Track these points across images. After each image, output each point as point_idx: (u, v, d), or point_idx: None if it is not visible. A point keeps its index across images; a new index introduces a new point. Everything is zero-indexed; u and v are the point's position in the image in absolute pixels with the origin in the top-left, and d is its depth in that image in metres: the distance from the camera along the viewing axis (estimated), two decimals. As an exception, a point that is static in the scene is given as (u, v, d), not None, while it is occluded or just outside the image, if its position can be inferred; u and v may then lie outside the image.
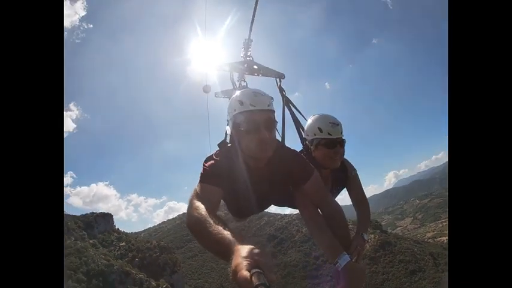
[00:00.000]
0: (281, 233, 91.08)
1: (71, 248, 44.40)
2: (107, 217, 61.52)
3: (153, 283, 44.37)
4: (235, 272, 0.96)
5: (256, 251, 1.02)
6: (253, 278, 0.89)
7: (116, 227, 64.23)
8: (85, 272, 42.44)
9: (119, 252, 52.53)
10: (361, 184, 2.48)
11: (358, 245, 1.97)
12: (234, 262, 1.00)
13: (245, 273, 0.92)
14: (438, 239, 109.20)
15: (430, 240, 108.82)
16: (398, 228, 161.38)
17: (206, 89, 3.53)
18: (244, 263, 0.96)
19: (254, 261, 0.97)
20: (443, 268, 76.33)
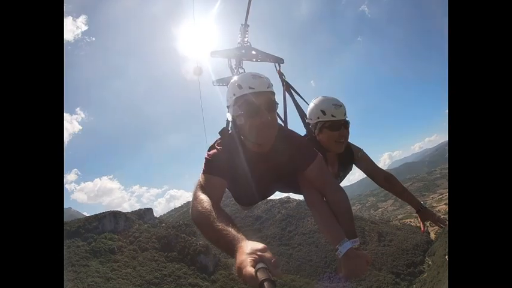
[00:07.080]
0: (265, 214, 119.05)
1: (141, 229, 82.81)
2: (150, 210, 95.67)
3: (191, 238, 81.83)
4: (240, 268, 0.97)
5: (259, 246, 1.02)
6: (258, 273, 0.90)
7: (155, 216, 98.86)
8: (156, 237, 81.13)
9: (163, 230, 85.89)
10: (373, 161, 2.42)
11: (435, 216, 1.94)
12: (238, 259, 1.01)
13: (250, 269, 0.93)
14: (404, 220, 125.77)
15: (396, 221, 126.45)
16: (380, 210, 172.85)
17: (197, 72, 3.36)
18: (249, 259, 0.96)
19: (258, 257, 0.97)
20: (385, 243, 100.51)
